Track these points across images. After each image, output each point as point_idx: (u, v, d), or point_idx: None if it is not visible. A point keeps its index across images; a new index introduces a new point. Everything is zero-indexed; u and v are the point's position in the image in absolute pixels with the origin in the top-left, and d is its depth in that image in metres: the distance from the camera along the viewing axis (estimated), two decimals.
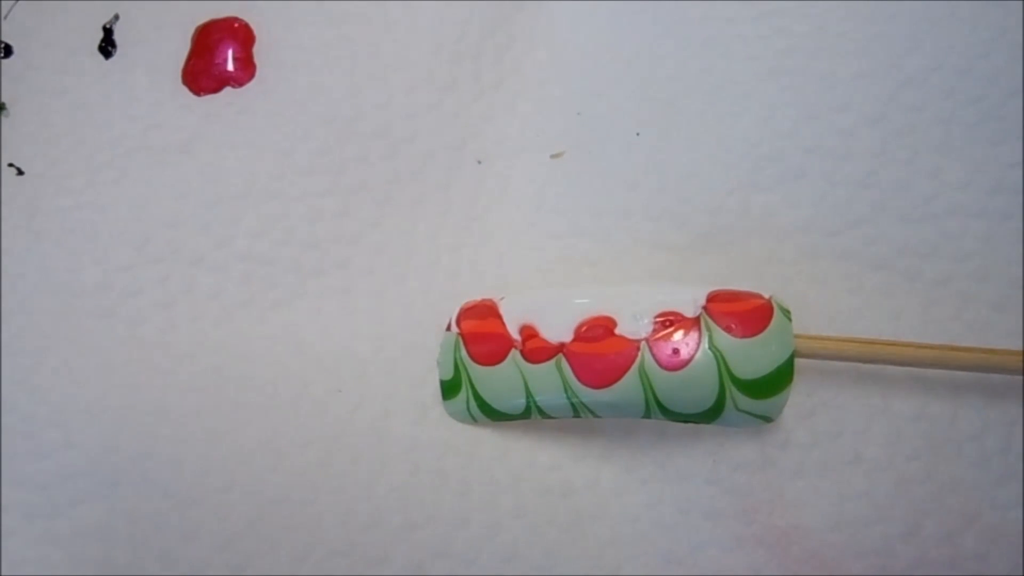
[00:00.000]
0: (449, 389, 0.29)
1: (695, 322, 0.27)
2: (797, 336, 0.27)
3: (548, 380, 0.28)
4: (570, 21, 0.34)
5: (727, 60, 0.32)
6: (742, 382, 0.26)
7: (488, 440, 0.29)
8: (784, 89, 0.32)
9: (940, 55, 0.31)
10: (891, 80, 0.31)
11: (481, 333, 0.29)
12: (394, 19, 0.33)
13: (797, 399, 0.28)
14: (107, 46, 0.32)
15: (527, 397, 0.28)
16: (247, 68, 0.32)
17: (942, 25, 0.32)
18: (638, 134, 0.32)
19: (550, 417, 0.28)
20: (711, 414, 0.27)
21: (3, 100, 0.32)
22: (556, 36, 0.34)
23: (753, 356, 0.26)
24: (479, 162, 0.32)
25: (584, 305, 0.28)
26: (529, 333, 0.28)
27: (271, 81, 0.32)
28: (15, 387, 0.28)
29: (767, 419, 0.27)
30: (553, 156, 0.32)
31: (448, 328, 0.30)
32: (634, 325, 0.27)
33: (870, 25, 0.32)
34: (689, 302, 0.27)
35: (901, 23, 0.32)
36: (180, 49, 0.32)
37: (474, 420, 0.29)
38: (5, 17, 0.32)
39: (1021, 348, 0.27)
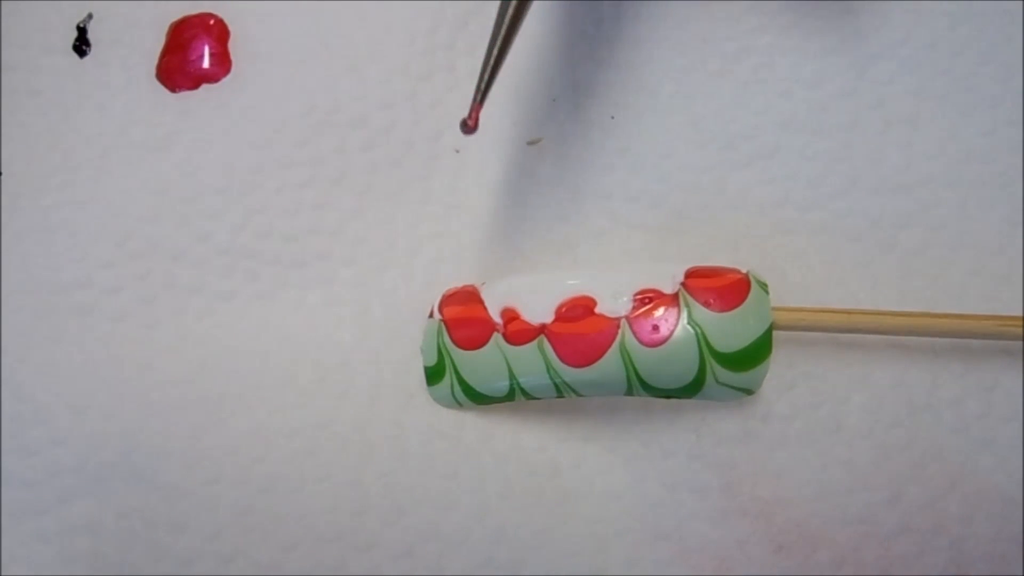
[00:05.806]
0: (433, 375, 0.29)
1: (674, 298, 0.27)
2: (775, 308, 0.27)
3: (531, 361, 0.28)
4: (541, 10, 0.34)
5: (698, 41, 0.32)
6: (722, 355, 0.27)
7: (473, 424, 0.29)
8: (755, 67, 0.32)
9: (908, 27, 0.32)
10: (861, 54, 0.32)
11: (463, 318, 0.29)
12: (368, 11, 0.33)
13: (777, 371, 0.28)
14: (81, 45, 0.32)
15: (511, 379, 0.28)
16: (223, 64, 0.32)
17: None
18: (612, 117, 0.32)
19: (534, 398, 0.28)
20: (692, 388, 0.27)
21: None
22: (527, 25, 0.34)
23: (732, 329, 0.27)
24: (457, 151, 0.32)
25: (564, 286, 0.28)
26: (510, 316, 0.28)
27: (247, 76, 0.32)
28: None
29: (748, 391, 0.28)
30: (530, 143, 0.32)
31: (431, 315, 0.30)
32: (614, 304, 0.27)
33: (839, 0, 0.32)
34: (668, 279, 0.28)
35: None
36: (155, 47, 0.32)
37: (459, 405, 0.29)
38: None
39: (997, 313, 0.28)
